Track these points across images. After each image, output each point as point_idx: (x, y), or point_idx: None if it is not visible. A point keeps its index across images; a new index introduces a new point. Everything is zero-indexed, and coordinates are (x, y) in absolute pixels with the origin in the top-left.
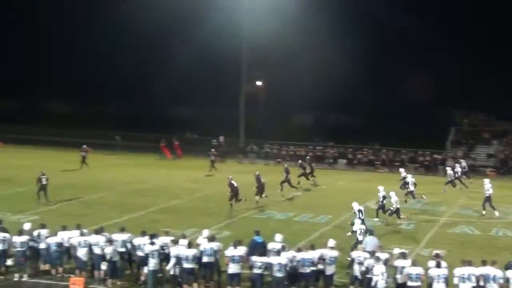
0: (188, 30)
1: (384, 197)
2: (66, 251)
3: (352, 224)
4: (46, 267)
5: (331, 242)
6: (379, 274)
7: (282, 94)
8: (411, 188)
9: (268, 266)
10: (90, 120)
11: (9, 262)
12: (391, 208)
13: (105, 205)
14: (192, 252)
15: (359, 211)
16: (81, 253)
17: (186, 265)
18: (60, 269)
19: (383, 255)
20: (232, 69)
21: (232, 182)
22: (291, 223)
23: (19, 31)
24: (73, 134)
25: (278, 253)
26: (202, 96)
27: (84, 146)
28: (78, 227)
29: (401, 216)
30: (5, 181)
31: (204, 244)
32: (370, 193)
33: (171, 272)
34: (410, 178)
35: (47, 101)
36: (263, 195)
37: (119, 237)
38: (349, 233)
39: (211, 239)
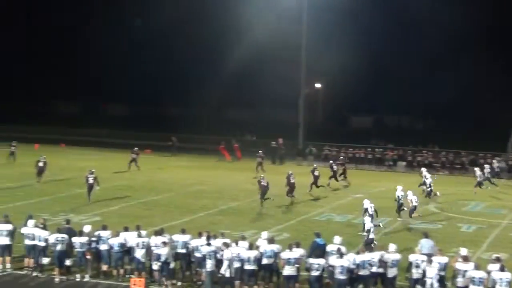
0: (244, 31)
1: (399, 197)
2: (128, 252)
3: (364, 223)
4: (106, 268)
5: (392, 247)
6: (432, 277)
7: (340, 96)
8: (428, 188)
9: (325, 268)
10: (146, 122)
11: (68, 262)
12: (410, 205)
13: (165, 207)
14: (253, 253)
15: (368, 209)
16: (139, 254)
17: (247, 266)
18: (122, 270)
19: (443, 259)
20: (291, 71)
21: (262, 181)
22: (350, 226)
23: (82, 35)
24: (132, 136)
25: (340, 255)
26: (261, 98)
27: (136, 148)
28: (137, 228)
29: (413, 215)
30: (65, 182)
31: (263, 246)
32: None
33: (226, 275)
34: (429, 178)
35: (106, 104)
36: (291, 195)
37: (179, 238)
38: (364, 233)
39: (270, 241)
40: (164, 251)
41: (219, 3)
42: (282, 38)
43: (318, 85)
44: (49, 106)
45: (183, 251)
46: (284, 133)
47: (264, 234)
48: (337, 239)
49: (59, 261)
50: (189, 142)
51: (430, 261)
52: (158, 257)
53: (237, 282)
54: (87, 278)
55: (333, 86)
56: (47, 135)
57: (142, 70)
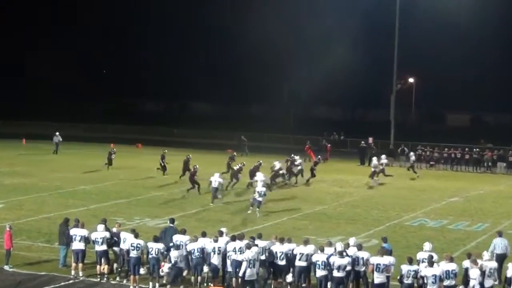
0: (308, 30)
1: None
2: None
3: None
4: (185, 273)
5: (487, 255)
6: (476, 278)
7: (436, 92)
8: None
9: (414, 276)
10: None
11: (142, 271)
12: None
13: (244, 211)
14: (345, 261)
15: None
16: (215, 260)
17: (337, 274)
18: (199, 278)
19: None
20: (383, 66)
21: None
22: (445, 232)
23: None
24: (215, 135)
25: (430, 263)
26: (350, 95)
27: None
28: (221, 233)
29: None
30: (141, 184)
31: (351, 252)
32: None
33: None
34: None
35: (189, 103)
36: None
37: (258, 243)
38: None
39: (359, 247)
40: (247, 255)
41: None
42: (375, 34)
43: (411, 80)
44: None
45: (262, 257)
46: (375, 131)
47: (352, 240)
48: (427, 245)
49: (134, 269)
50: (269, 141)
51: (474, 262)
52: (237, 264)
53: None
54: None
55: (427, 81)
56: (124, 134)
57: (226, 69)
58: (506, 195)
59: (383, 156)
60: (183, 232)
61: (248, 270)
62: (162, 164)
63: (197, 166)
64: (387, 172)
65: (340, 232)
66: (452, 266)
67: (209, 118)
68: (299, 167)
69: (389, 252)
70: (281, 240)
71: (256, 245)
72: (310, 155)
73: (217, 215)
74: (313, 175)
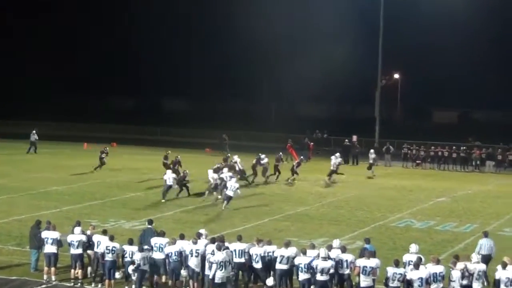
0: (292, 26)
1: None
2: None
3: None
4: (164, 279)
5: (475, 257)
6: (455, 280)
7: (422, 88)
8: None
9: (400, 279)
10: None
11: (117, 275)
12: None
13: (224, 212)
14: (329, 264)
15: None
16: (193, 262)
17: (320, 277)
18: (177, 282)
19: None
20: (368, 62)
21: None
22: (432, 233)
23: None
24: (187, 134)
25: (417, 266)
26: (335, 92)
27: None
28: (199, 235)
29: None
30: (116, 185)
31: (334, 255)
32: None
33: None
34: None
35: (163, 100)
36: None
37: (236, 246)
38: None
39: (342, 249)
40: (217, 257)
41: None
42: (357, 26)
43: (397, 76)
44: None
45: (241, 260)
46: (359, 129)
47: (335, 242)
48: (414, 247)
49: (109, 273)
50: (250, 139)
51: (454, 263)
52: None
53: None
54: None
55: (414, 76)
56: (97, 133)
57: (201, 63)
58: (495, 194)
59: (338, 154)
60: (162, 234)
61: (219, 273)
62: (168, 163)
63: (187, 171)
64: (339, 171)
65: (323, 234)
66: (439, 269)
67: (189, 116)
68: (264, 166)
69: (373, 254)
70: (258, 242)
71: (227, 248)
72: (292, 154)
73: (194, 217)
74: (293, 174)
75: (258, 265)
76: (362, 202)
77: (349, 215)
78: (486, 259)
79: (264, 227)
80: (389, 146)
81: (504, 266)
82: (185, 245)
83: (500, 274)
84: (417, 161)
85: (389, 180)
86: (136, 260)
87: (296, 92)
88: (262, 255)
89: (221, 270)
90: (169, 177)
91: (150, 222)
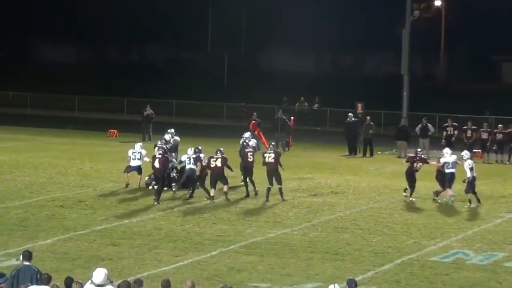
0: None
1: None
2: None
3: None
4: None
5: None
6: None
7: (482, 24)
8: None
9: None
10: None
11: None
12: None
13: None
14: None
15: None
16: None
17: None
18: None
19: None
20: None
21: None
22: (501, 272)
23: None
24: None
25: None
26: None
27: None
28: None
29: None
30: None
31: None
32: None
33: None
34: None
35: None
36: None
37: None
38: None
39: None
40: None
41: None
42: None
43: (438, 3)
44: None
45: None
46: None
47: None
48: None
49: None
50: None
51: None
52: None
53: None
54: None
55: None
56: None
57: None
58: None
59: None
60: (47, 280)
61: None
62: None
63: None
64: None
65: (312, 277)
66: None
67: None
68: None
69: None
70: None
71: None
72: (260, 137)
73: (91, 246)
74: None
75: None
76: (379, 221)
77: (358, 243)
78: None
79: (212, 265)
80: (426, 125)
81: None
82: None
83: None
84: (473, 149)
85: (424, 182)
86: None
87: (266, 35)
88: None
89: None
90: None
91: (28, 256)
